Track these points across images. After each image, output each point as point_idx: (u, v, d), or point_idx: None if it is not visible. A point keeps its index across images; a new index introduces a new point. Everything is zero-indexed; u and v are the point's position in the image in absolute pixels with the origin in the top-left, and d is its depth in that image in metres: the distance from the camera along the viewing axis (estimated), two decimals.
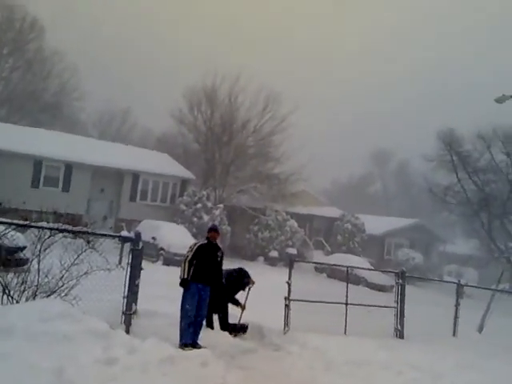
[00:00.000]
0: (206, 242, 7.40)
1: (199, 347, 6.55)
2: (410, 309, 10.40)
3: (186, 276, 6.98)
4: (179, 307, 7.06)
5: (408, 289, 10.65)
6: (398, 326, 10.16)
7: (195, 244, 7.35)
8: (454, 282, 12.77)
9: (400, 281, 10.50)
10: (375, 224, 33.25)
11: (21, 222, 6.86)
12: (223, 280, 7.98)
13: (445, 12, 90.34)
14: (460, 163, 29.96)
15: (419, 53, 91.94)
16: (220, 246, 7.69)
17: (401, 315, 10.24)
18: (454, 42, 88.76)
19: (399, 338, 10.05)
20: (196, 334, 6.91)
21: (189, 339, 6.71)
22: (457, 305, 11.66)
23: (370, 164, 71.77)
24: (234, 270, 9.13)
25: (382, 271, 20.03)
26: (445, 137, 30.36)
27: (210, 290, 8.08)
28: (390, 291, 20.79)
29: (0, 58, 38.10)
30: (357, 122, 78.63)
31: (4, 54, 38.29)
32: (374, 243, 33.07)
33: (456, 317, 11.51)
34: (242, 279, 8.87)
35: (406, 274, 10.82)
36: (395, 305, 10.35)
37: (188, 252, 7.19)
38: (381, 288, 21.75)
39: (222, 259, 7.51)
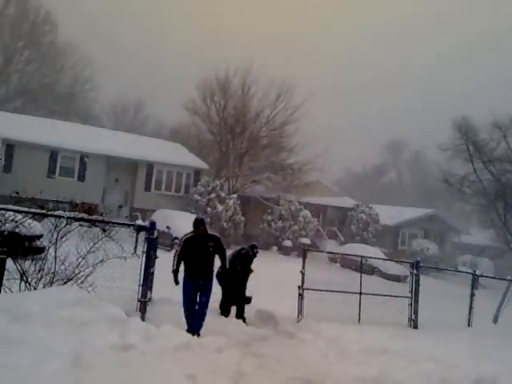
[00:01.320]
0: (192, 234, 7.26)
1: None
2: (425, 299, 10.38)
3: (174, 268, 7.09)
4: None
5: (422, 279, 10.63)
6: (413, 316, 10.16)
7: (182, 237, 7.29)
8: (470, 273, 12.71)
9: (415, 271, 10.47)
10: (389, 214, 33.04)
11: (38, 211, 6.96)
12: (227, 264, 7.99)
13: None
14: (476, 152, 29.54)
15: (433, 41, 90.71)
16: (214, 234, 7.47)
17: (415, 305, 10.22)
18: (469, 29, 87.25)
19: (413, 327, 10.05)
20: (196, 326, 6.88)
21: (189, 329, 6.79)
22: (472, 295, 11.61)
23: (385, 154, 71.29)
24: (234, 251, 9.19)
25: (396, 261, 19.94)
26: (460, 126, 29.99)
27: (226, 281, 8.19)
28: (404, 281, 20.83)
29: (15, 51, 38.44)
30: (371, 111, 78.05)
31: (19, 46, 38.63)
32: (388, 233, 32.90)
33: (471, 307, 11.46)
34: (242, 260, 8.88)
35: (421, 265, 10.78)
36: (409, 295, 10.33)
37: (178, 246, 7.23)
38: (395, 278, 21.66)
39: (217, 247, 7.21)
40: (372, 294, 9.85)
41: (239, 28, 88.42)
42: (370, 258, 15.04)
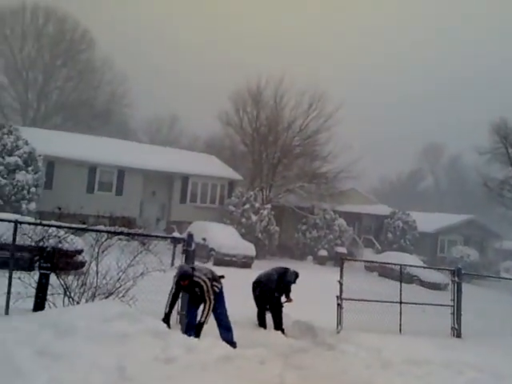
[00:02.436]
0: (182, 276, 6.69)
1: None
2: (467, 307, 10.12)
3: (166, 310, 6.62)
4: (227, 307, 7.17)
5: (464, 287, 10.36)
6: (455, 325, 9.91)
7: (175, 276, 6.77)
8: None
9: (456, 279, 10.22)
10: (427, 221, 32.42)
11: (80, 226, 7.16)
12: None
13: None
14: None
15: (470, 42, 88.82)
16: (201, 281, 6.70)
17: (458, 314, 9.97)
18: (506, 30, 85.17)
19: (456, 337, 9.80)
20: (221, 336, 6.81)
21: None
22: None
23: (420, 160, 70.04)
24: (275, 269, 9.13)
25: (436, 269, 19.50)
26: (499, 129, 29.25)
27: (259, 289, 8.21)
28: (445, 289, 20.34)
29: (54, 69, 39.78)
30: (405, 116, 76.91)
31: (58, 64, 39.96)
32: (427, 241, 32.25)
33: None
34: (282, 280, 8.86)
35: (462, 272, 10.52)
36: (451, 303, 10.09)
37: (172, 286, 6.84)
38: (435, 286, 21.18)
39: (206, 290, 6.67)
40: (413, 304, 9.67)
41: (271, 39, 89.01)
42: (410, 266, 14.72)
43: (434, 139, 68.30)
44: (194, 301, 6.86)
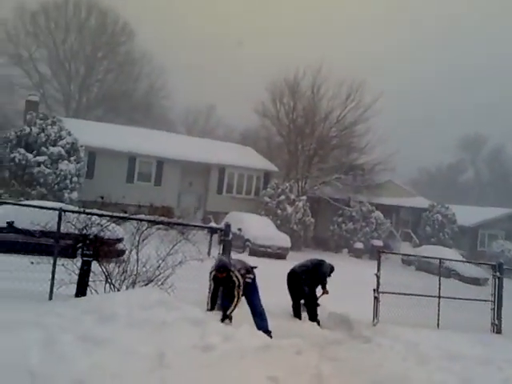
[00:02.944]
0: (217, 271, 6.85)
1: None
2: (508, 303, 9.87)
3: (208, 307, 6.91)
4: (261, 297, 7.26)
5: (505, 282, 10.10)
6: (496, 321, 9.68)
7: (211, 272, 6.97)
8: None
9: (497, 273, 9.97)
10: (467, 214, 31.63)
11: (122, 215, 7.34)
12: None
13: None
14: None
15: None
16: (235, 278, 6.80)
17: (498, 309, 9.74)
18: None
19: (496, 332, 9.58)
20: (257, 325, 6.86)
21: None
22: None
23: (461, 151, 68.15)
24: (310, 261, 9.16)
25: (475, 263, 19.05)
26: None
27: (294, 280, 8.26)
28: (484, 284, 19.84)
29: (95, 61, 40.71)
30: (446, 106, 74.97)
31: (99, 57, 40.86)
32: (466, 235, 31.51)
33: None
34: (317, 272, 8.87)
35: (504, 267, 10.25)
36: (491, 298, 9.86)
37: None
38: (474, 281, 20.70)
39: (236, 286, 6.74)
40: (452, 298, 9.50)
41: (309, 29, 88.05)
42: (448, 260, 14.42)
43: (476, 129, 66.37)
44: (228, 294, 6.90)
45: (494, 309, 9.76)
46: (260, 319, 7.04)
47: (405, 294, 8.86)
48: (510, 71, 75.04)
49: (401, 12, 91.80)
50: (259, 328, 6.71)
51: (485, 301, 9.83)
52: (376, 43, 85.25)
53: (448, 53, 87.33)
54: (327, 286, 8.97)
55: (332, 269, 9.22)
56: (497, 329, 9.64)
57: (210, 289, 6.96)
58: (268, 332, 6.74)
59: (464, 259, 21.12)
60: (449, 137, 71.77)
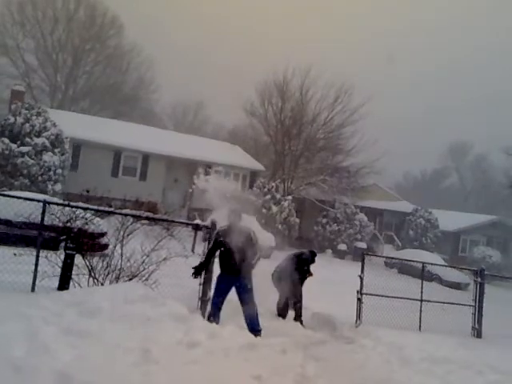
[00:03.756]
0: (225, 227, 6.89)
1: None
2: (488, 308, 10.00)
3: (202, 260, 6.88)
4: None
5: (485, 287, 10.23)
6: (476, 325, 9.80)
7: (215, 232, 6.96)
8: None
9: (479, 279, 10.10)
10: (450, 220, 32.01)
11: (107, 209, 7.27)
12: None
13: None
14: None
15: (496, 39, 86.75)
16: (247, 229, 6.83)
17: (479, 314, 9.86)
18: None
19: (477, 337, 9.70)
20: (247, 324, 6.66)
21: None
22: None
23: (446, 157, 68.92)
24: (291, 254, 9.18)
25: (459, 268, 19.25)
26: None
27: (278, 273, 8.20)
28: (465, 289, 20.09)
29: (83, 53, 40.19)
30: (431, 114, 75.75)
31: (87, 49, 40.37)
32: (448, 239, 31.87)
33: None
34: (300, 263, 8.87)
35: (485, 273, 10.38)
36: (473, 303, 9.98)
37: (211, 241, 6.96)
38: (455, 286, 20.96)
39: (250, 243, 6.70)
40: (434, 302, 9.59)
41: (299, 30, 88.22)
42: (431, 264, 14.55)
43: (461, 137, 67.23)
44: (235, 268, 6.63)
45: (474, 313, 9.88)
46: (251, 315, 6.75)
47: (388, 297, 8.92)
48: (496, 78, 76.13)
49: (387, 13, 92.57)
50: (250, 324, 6.60)
51: (466, 305, 9.95)
52: (363, 47, 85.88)
53: (437, 56, 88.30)
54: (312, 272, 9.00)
55: (314, 254, 9.22)
56: (477, 333, 9.76)
57: (208, 249, 6.88)
58: (258, 330, 6.59)
59: (446, 264, 21.35)
60: (435, 143, 72.67)
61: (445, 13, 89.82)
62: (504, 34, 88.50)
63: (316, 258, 9.30)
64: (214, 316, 6.58)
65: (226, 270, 6.80)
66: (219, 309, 6.73)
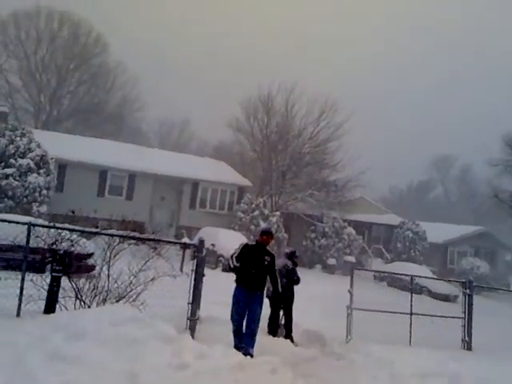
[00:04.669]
0: (254, 243, 7.16)
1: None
2: (477, 319, 10.01)
3: (235, 264, 6.91)
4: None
5: (474, 299, 10.25)
6: (466, 338, 9.80)
7: (241, 244, 7.12)
8: None
9: (467, 291, 10.12)
10: (437, 232, 32.20)
11: (93, 230, 7.20)
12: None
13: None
14: None
15: (483, 53, 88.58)
16: (272, 252, 7.19)
17: (468, 326, 9.86)
18: None
19: (467, 349, 9.68)
20: (246, 341, 6.70)
21: (237, 345, 6.64)
22: None
23: (431, 170, 69.68)
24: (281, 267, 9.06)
25: (446, 280, 19.34)
26: (511, 141, 29.12)
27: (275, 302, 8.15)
28: (454, 301, 20.16)
29: (67, 73, 40.09)
30: (416, 127, 76.69)
31: (71, 68, 40.27)
32: (436, 251, 32.05)
33: None
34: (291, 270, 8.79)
35: (474, 284, 10.42)
36: (462, 315, 9.99)
37: (236, 250, 7.05)
38: (444, 298, 21.03)
39: (272, 265, 7.02)
40: (423, 315, 9.58)
41: (284, 47, 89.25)
42: (420, 277, 14.61)
43: (445, 150, 68.08)
44: (259, 274, 6.84)
45: (464, 326, 9.87)
46: (251, 336, 6.78)
47: (377, 311, 8.90)
48: (482, 93, 77.45)
49: (375, 28, 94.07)
50: (246, 345, 6.60)
51: (456, 318, 9.95)
52: (349, 63, 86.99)
53: (424, 72, 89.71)
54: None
55: (293, 252, 9.15)
56: (467, 346, 9.75)
57: (233, 255, 6.94)
58: (250, 353, 6.52)
59: (434, 276, 21.44)
60: (420, 156, 73.40)
61: (431, 34, 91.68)
62: (487, 48, 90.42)
63: (297, 255, 9.28)
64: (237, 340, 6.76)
65: (242, 283, 6.87)
66: (240, 331, 6.82)
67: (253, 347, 6.70)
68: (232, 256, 7.00)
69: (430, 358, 7.40)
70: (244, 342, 6.71)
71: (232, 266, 6.90)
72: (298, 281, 8.81)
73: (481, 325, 9.97)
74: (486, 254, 33.28)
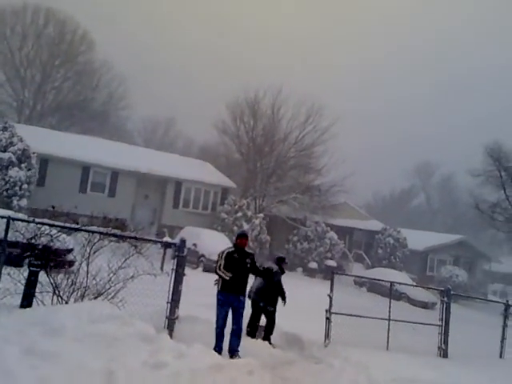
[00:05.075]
0: (232, 249, 7.29)
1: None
2: (454, 327, 10.12)
3: (228, 275, 6.99)
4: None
5: (451, 307, 10.36)
6: (442, 345, 9.89)
7: (223, 252, 7.20)
8: (503, 303, 12.34)
9: (445, 299, 10.22)
10: (418, 239, 32.53)
11: (74, 226, 7.10)
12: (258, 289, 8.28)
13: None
14: (508, 179, 29.01)
15: (464, 63, 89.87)
16: (250, 251, 7.55)
17: (445, 334, 9.96)
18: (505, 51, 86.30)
19: (443, 356, 9.77)
20: (231, 343, 6.91)
21: (216, 347, 6.76)
22: (504, 325, 11.28)
23: (413, 177, 70.37)
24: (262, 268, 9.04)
25: (425, 287, 19.52)
26: (493, 152, 29.55)
27: (256, 301, 8.18)
28: (432, 308, 20.36)
29: (52, 69, 39.59)
30: (402, 134, 77.47)
31: (56, 65, 39.77)
32: (416, 258, 32.35)
33: (503, 338, 11.11)
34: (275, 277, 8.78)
35: (452, 292, 10.53)
36: (439, 323, 10.08)
37: (219, 260, 7.13)
38: (422, 305, 21.26)
39: (253, 264, 7.30)
40: (402, 321, 9.65)
41: (272, 49, 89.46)
42: (400, 283, 14.73)
43: (428, 158, 68.81)
44: (242, 276, 7.04)
45: (441, 333, 9.96)
46: (237, 335, 6.99)
47: (356, 316, 8.93)
48: (464, 101, 78.56)
49: (363, 37, 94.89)
50: (231, 345, 6.80)
51: (433, 325, 10.04)
52: (339, 66, 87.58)
53: (411, 80, 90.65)
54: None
55: (282, 258, 9.21)
56: (443, 353, 9.84)
57: (219, 268, 7.03)
58: (237, 352, 6.79)
59: (414, 283, 21.63)
60: (403, 164, 74.16)
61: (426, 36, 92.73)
62: (473, 57, 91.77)
63: (286, 262, 9.39)
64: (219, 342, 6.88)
65: (226, 289, 6.99)
66: (222, 335, 6.95)
67: (238, 346, 6.91)
68: (220, 267, 7.07)
69: (406, 363, 7.47)
70: (231, 343, 6.90)
71: (227, 277, 6.97)
72: (283, 295, 8.82)
73: (457, 333, 10.08)
74: (465, 263, 33.71)
